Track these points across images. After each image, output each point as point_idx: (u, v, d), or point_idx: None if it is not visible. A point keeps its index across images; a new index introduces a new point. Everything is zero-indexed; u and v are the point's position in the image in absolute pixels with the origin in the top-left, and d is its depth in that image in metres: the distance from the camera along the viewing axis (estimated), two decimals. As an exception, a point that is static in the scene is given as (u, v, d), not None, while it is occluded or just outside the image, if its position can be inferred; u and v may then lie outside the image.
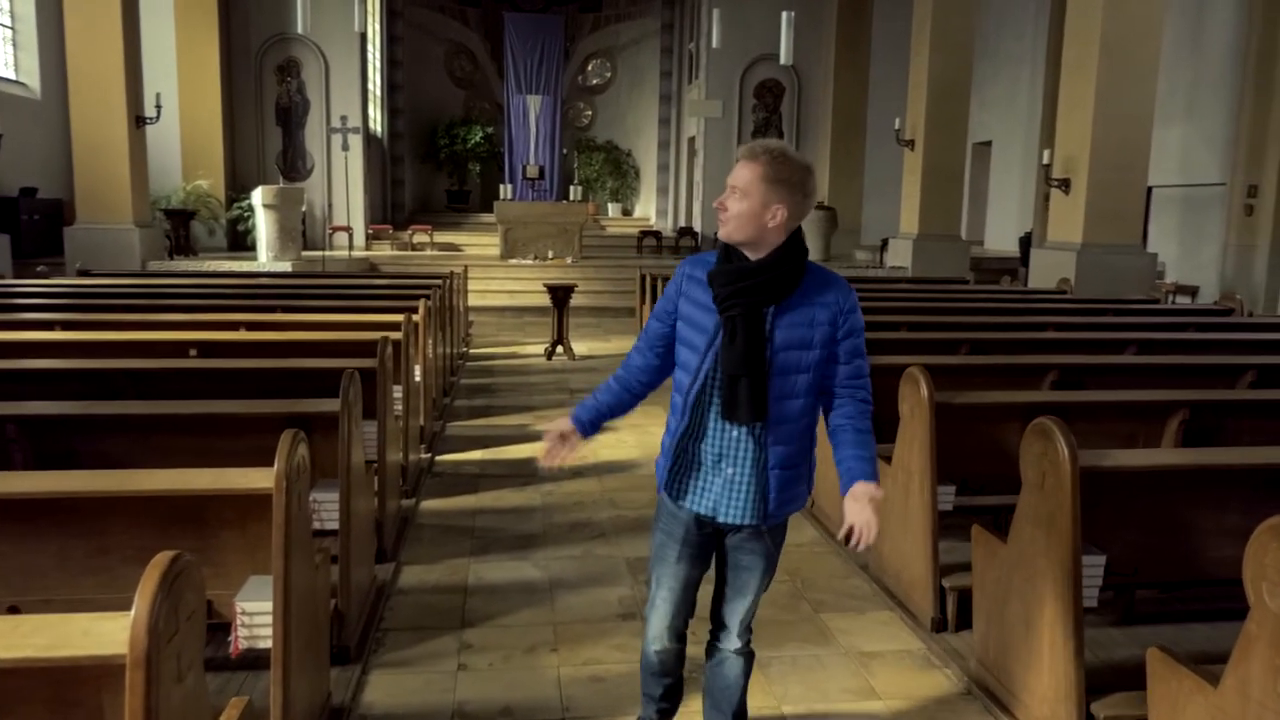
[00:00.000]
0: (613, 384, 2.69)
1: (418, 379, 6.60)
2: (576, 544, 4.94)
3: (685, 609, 2.70)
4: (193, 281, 9.97)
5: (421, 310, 6.96)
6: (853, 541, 2.41)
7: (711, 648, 2.78)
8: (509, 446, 6.89)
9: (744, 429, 2.45)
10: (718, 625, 2.73)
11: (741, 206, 2.39)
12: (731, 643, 2.71)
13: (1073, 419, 4.23)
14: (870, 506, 2.39)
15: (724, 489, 2.50)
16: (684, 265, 2.58)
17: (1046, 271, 11.38)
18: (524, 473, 6.24)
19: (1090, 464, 2.95)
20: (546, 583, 4.42)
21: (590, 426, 2.67)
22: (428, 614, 4.07)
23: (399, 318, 6.22)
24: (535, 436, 7.13)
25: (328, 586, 3.28)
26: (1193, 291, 13.13)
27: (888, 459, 4.43)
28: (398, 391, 5.64)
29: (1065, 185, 11.14)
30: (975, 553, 3.48)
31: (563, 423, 2.65)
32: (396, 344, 5.71)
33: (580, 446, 2.68)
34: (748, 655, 2.74)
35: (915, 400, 3.99)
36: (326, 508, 3.69)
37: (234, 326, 6.49)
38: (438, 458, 6.59)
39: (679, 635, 2.73)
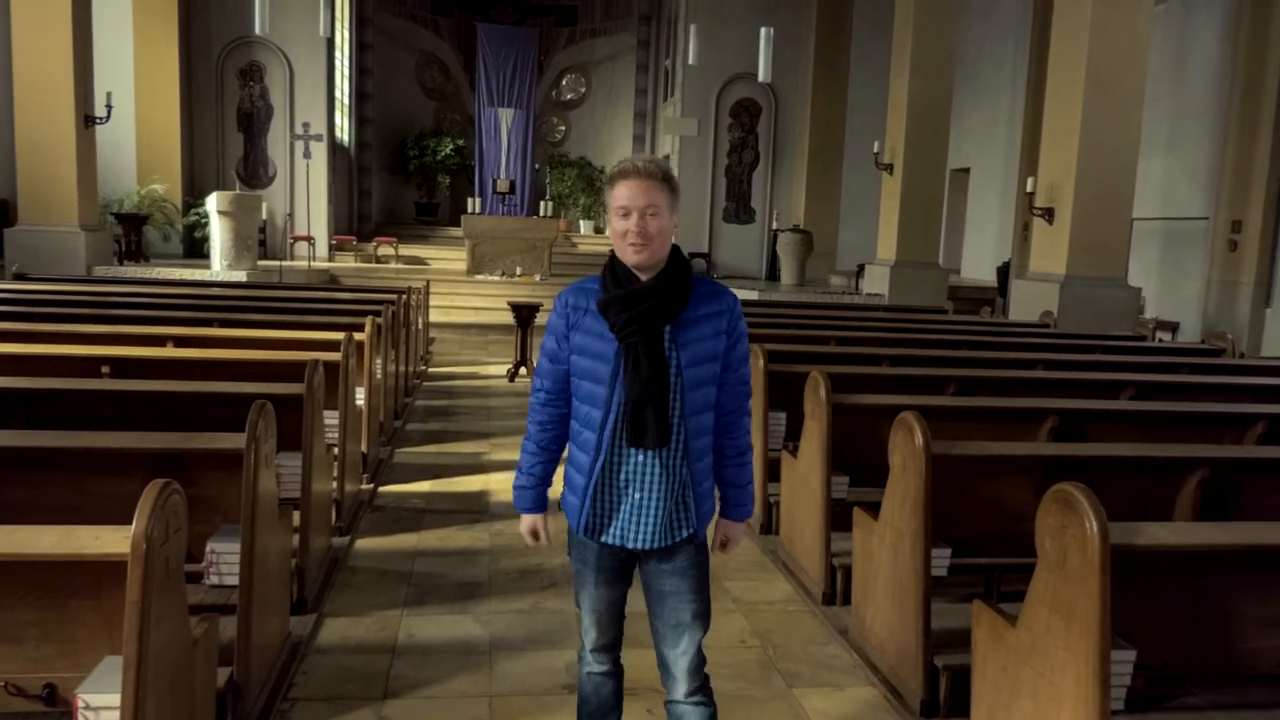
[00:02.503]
0: (539, 450, 2.58)
1: (360, 402, 6.07)
2: (525, 595, 4.43)
3: (614, 628, 2.63)
4: (134, 290, 9.36)
5: (368, 328, 6.43)
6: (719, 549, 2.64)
7: (669, 708, 2.55)
8: (460, 477, 6.37)
9: (649, 453, 2.38)
10: (665, 674, 2.55)
11: (663, 224, 2.34)
12: (680, 689, 2.50)
13: (1083, 476, 3.80)
14: (737, 541, 2.66)
15: (631, 514, 2.42)
16: (566, 297, 2.47)
17: (1027, 303, 11.03)
18: (473, 508, 5.73)
19: (1122, 541, 2.50)
20: (487, 643, 3.91)
21: (546, 501, 2.64)
22: (346, 680, 3.54)
23: (340, 336, 5.69)
24: (489, 467, 6.62)
25: (212, 661, 2.75)
26: (1173, 327, 12.86)
27: (874, 512, 3.97)
28: (333, 418, 5.12)
29: (1049, 214, 10.81)
30: (977, 634, 3.01)
31: (529, 523, 2.64)
32: (332, 366, 5.20)
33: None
34: (705, 706, 2.51)
35: (908, 450, 3.53)
36: (225, 559, 3.17)
37: (161, 342, 5.94)
38: (381, 489, 6.06)
39: (613, 655, 2.66)
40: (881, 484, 4.82)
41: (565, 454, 2.59)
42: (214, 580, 3.17)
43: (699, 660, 2.50)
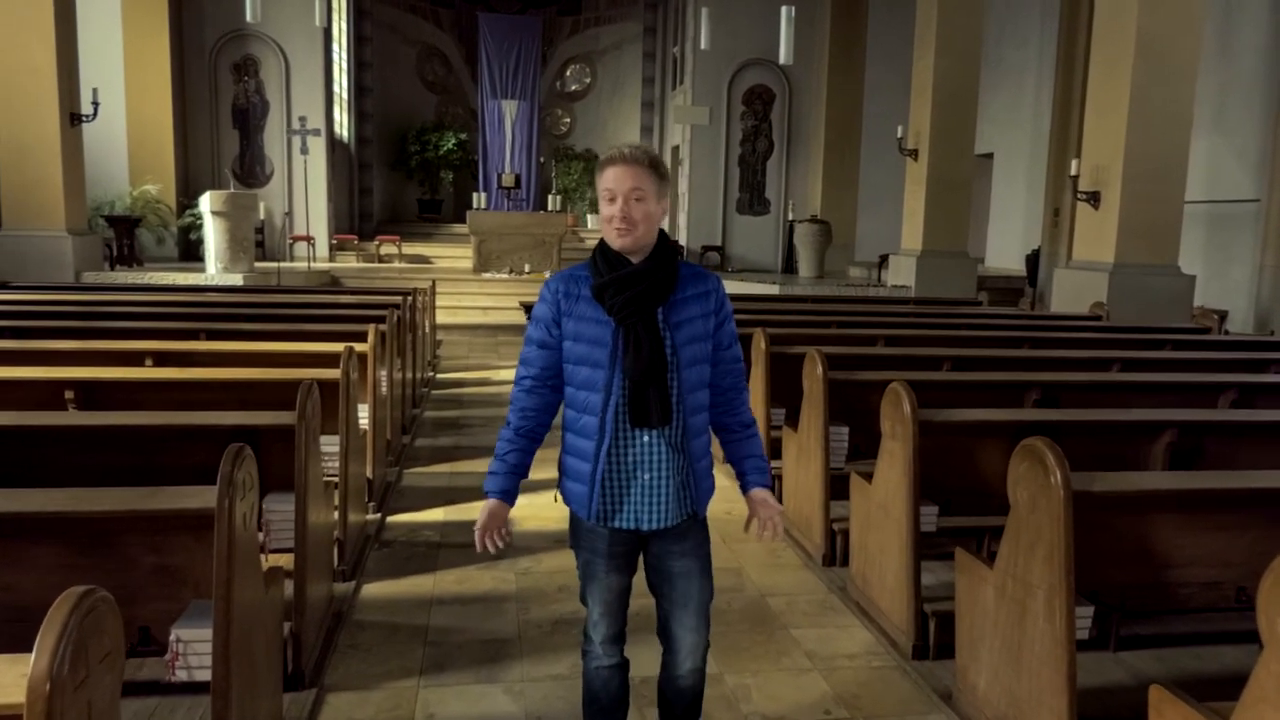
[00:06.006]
0: (516, 438, 2.54)
1: (364, 423, 5.42)
2: (563, 654, 3.76)
3: (622, 618, 2.64)
4: (118, 298, 8.72)
5: (371, 338, 5.77)
6: (767, 533, 2.54)
7: (666, 677, 2.64)
8: (477, 502, 5.67)
9: (655, 432, 2.41)
10: (671, 648, 2.60)
11: (649, 209, 2.37)
12: (686, 664, 2.58)
13: (1238, 509, 3.15)
14: (774, 506, 2.55)
15: (643, 496, 2.43)
16: (555, 284, 2.47)
17: (1073, 293, 10.34)
18: (493, 540, 5.06)
19: None
20: (522, 722, 3.26)
21: (515, 495, 2.57)
22: (353, 782, 2.89)
23: (340, 347, 5.03)
24: (508, 490, 5.96)
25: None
26: (1222, 316, 12.15)
27: (976, 549, 3.31)
28: (332, 445, 4.47)
29: (1094, 199, 10.12)
30: (1161, 730, 2.35)
31: (492, 508, 2.51)
32: (331, 385, 4.54)
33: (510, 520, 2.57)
34: (701, 680, 2.65)
35: (1039, 486, 2.86)
36: (195, 649, 2.51)
37: (138, 359, 5.29)
38: (389, 518, 5.41)
39: (621, 647, 2.66)
40: (972, 512, 4.20)
41: (562, 445, 2.55)
42: (182, 676, 2.51)
43: (705, 637, 2.58)
